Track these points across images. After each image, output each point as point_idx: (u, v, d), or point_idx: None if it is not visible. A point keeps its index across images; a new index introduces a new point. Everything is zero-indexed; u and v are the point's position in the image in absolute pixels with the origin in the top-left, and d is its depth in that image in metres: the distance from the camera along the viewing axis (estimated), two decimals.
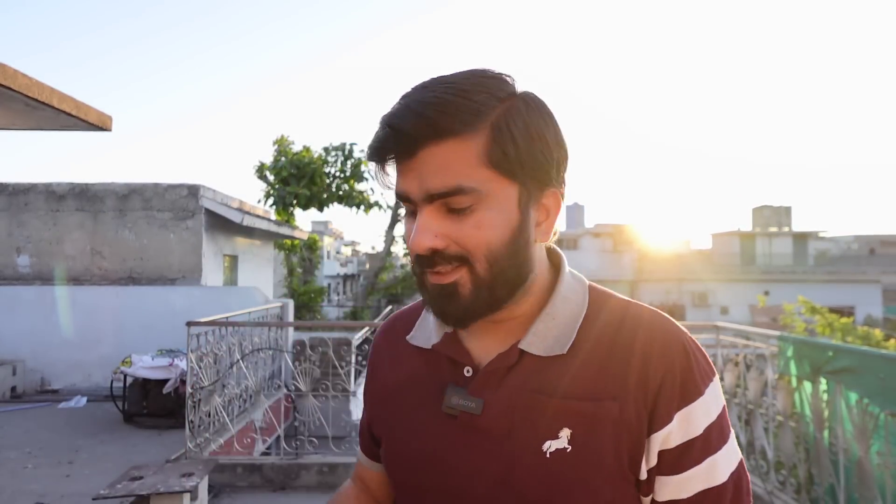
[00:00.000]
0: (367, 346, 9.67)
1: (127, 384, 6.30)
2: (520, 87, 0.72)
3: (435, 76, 0.71)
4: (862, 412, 3.21)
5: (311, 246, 18.40)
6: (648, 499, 0.73)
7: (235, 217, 8.89)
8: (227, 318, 5.65)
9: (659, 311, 0.77)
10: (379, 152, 0.70)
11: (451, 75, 0.71)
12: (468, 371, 0.76)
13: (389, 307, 19.96)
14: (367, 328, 9.72)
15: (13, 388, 7.58)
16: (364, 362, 7.62)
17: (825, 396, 3.53)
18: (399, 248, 20.97)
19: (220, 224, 9.22)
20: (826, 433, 3.52)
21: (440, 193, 0.67)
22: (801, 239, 32.31)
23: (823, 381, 3.54)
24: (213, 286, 8.82)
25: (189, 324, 4.97)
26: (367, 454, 0.96)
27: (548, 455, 0.69)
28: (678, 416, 0.70)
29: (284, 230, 11.79)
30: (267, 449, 5.84)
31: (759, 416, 4.12)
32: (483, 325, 0.76)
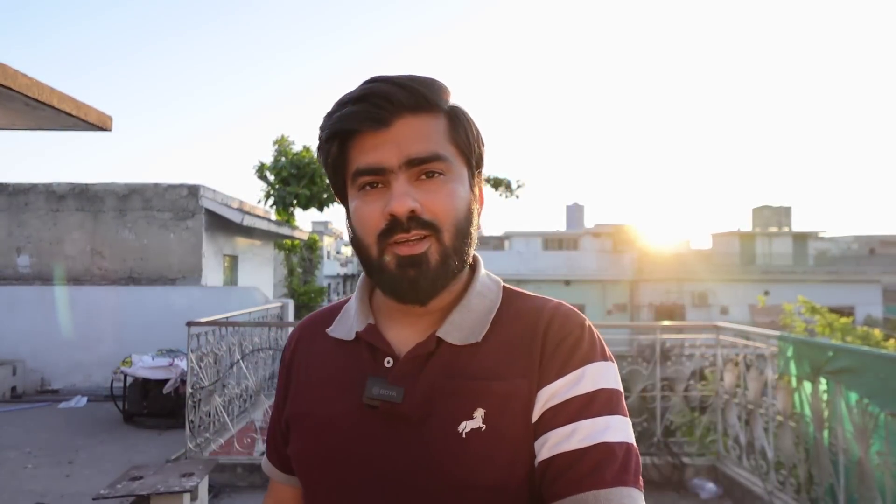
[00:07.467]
0: None
1: (127, 384, 6.31)
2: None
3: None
4: (862, 412, 3.21)
5: (311, 246, 18.37)
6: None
7: (235, 217, 8.89)
8: (227, 318, 5.65)
9: (570, 305, 0.81)
10: (351, 123, 0.72)
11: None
12: (388, 361, 0.76)
13: None
14: None
15: (13, 388, 7.59)
16: None
17: (825, 396, 3.53)
18: None
19: (221, 224, 9.22)
20: (826, 433, 3.52)
21: (421, 158, 0.71)
22: (801, 239, 32.26)
23: (823, 381, 3.54)
24: (213, 286, 8.82)
25: (189, 324, 4.97)
26: (284, 469, 0.90)
27: (464, 435, 0.70)
28: (566, 377, 0.71)
29: (284, 230, 11.78)
30: None
31: (759, 416, 4.12)
32: (403, 317, 0.79)
